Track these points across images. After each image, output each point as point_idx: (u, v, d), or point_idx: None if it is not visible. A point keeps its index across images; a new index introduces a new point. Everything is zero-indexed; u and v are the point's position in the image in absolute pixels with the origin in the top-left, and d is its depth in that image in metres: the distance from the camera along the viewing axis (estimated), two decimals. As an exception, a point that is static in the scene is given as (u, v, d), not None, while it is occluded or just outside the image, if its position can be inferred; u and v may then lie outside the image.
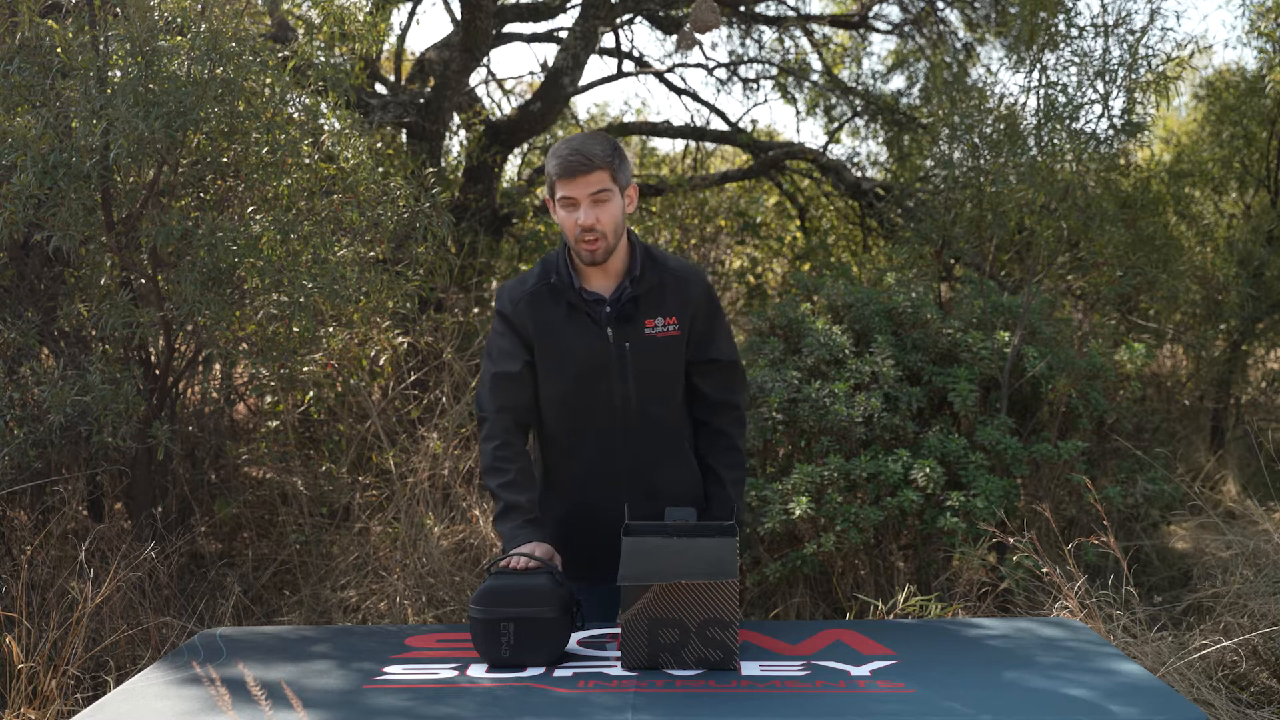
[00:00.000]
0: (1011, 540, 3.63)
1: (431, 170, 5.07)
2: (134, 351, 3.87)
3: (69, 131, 3.38)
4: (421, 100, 5.99)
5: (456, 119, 6.72)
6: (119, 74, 3.39)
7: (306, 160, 3.86)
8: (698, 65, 9.81)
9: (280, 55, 3.88)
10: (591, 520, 2.38)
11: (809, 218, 8.67)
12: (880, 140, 8.54)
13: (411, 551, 4.25)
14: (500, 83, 8.73)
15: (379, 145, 5.17)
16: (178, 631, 3.54)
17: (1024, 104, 4.37)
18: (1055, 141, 4.16)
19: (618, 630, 2.28)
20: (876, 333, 4.27)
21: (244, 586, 4.12)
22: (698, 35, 6.35)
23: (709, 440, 2.48)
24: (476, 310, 5.82)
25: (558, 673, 2.02)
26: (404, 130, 6.10)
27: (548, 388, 2.37)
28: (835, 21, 8.57)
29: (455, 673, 2.03)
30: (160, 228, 3.35)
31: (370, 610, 4.04)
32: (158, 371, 3.87)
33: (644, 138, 9.32)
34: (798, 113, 9.61)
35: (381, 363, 5.02)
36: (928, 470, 3.75)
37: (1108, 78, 4.10)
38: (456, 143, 7.25)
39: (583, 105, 13.47)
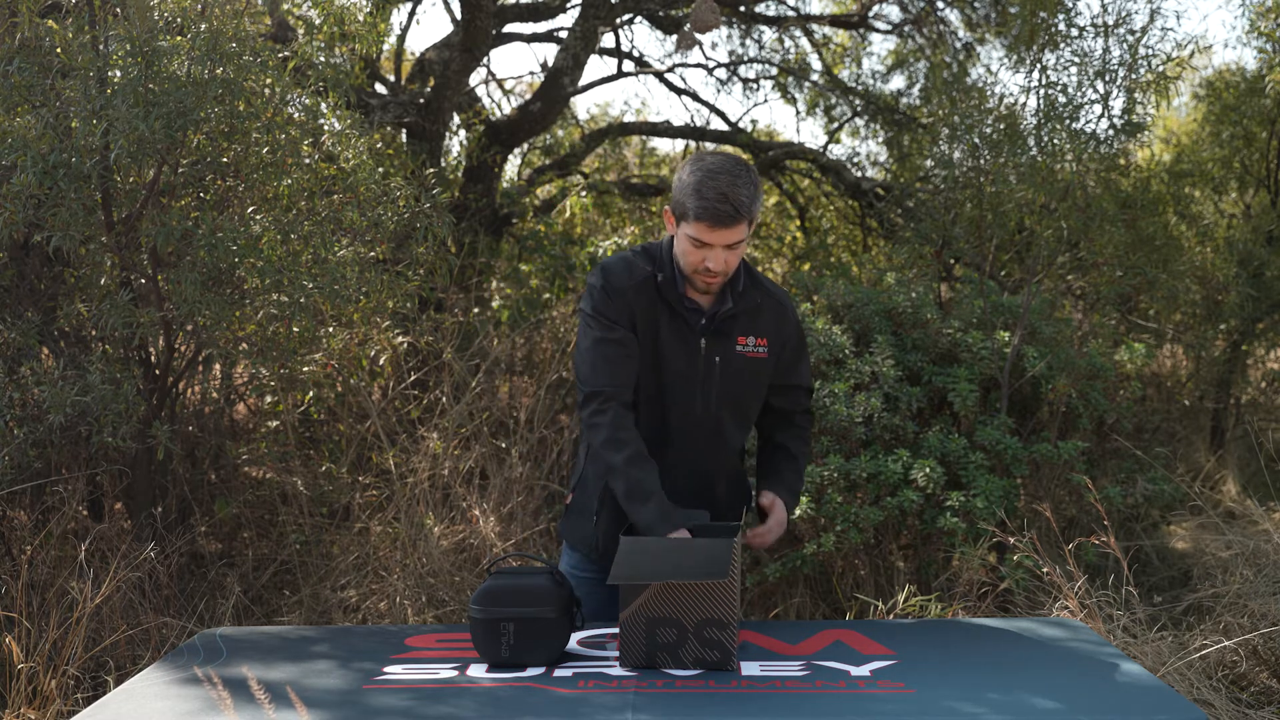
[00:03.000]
0: (1011, 540, 3.63)
1: (431, 170, 5.07)
2: (134, 351, 3.87)
3: (69, 131, 3.38)
4: (421, 100, 5.99)
5: (456, 119, 6.72)
6: (119, 74, 3.39)
7: (306, 160, 3.86)
8: (698, 65, 9.83)
9: (280, 55, 3.88)
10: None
11: (809, 218, 8.68)
12: (880, 140, 8.55)
13: (411, 551, 4.25)
14: (500, 83, 8.74)
15: (379, 145, 5.17)
16: (178, 631, 3.54)
17: (1024, 104, 4.38)
18: (1055, 141, 4.16)
19: (618, 630, 2.28)
20: (876, 333, 4.27)
21: (244, 586, 4.12)
22: (698, 35, 6.35)
23: (784, 428, 2.48)
24: (476, 310, 5.82)
25: (558, 673, 2.02)
26: (404, 130, 6.10)
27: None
28: (835, 21, 8.57)
29: (455, 673, 2.03)
30: (160, 228, 3.35)
31: (370, 610, 4.03)
32: (158, 371, 3.87)
33: (644, 138, 9.32)
34: (798, 113, 9.62)
35: (381, 363, 5.02)
36: (928, 470, 3.75)
37: (1108, 78, 4.10)
38: (456, 143, 7.26)
39: (583, 105, 13.48)
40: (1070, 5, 4.18)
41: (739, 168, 2.17)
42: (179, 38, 3.53)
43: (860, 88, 8.62)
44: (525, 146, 8.12)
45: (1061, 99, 4.12)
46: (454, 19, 7.06)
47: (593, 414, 2.22)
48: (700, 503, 2.35)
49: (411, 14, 6.91)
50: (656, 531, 2.11)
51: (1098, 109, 4.12)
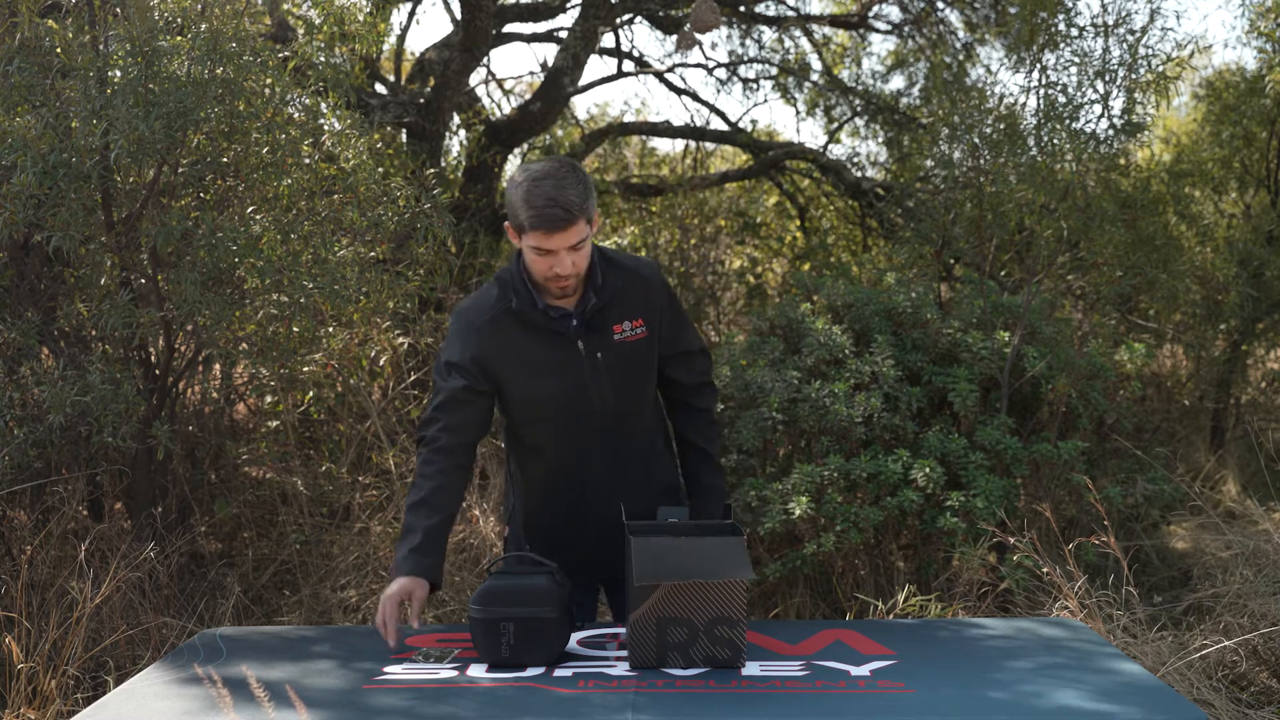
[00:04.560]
0: (1011, 540, 3.63)
1: (431, 170, 5.07)
2: (134, 351, 3.86)
3: (69, 131, 3.38)
4: (421, 100, 5.99)
5: (456, 119, 6.72)
6: (119, 74, 3.39)
7: (306, 160, 3.86)
8: (698, 65, 9.82)
9: (280, 55, 3.88)
10: (571, 525, 2.40)
11: (809, 218, 8.68)
12: (880, 140, 8.54)
13: (411, 551, 4.24)
14: (500, 83, 8.74)
15: (379, 145, 5.17)
16: (178, 631, 3.54)
17: (1024, 104, 4.37)
18: (1055, 141, 4.15)
19: (618, 630, 2.28)
20: (876, 333, 4.27)
21: (244, 586, 4.12)
22: (698, 35, 6.35)
23: (689, 417, 2.51)
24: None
25: (558, 673, 2.02)
26: (404, 130, 6.10)
27: (524, 410, 2.35)
28: (835, 21, 8.57)
29: (455, 673, 2.03)
30: (160, 228, 3.35)
31: (370, 610, 4.03)
32: (158, 371, 3.87)
33: (644, 138, 9.31)
34: (798, 113, 9.62)
35: (381, 363, 5.02)
36: (928, 470, 3.74)
37: (1108, 78, 4.10)
38: (456, 143, 7.26)
39: (583, 105, 13.49)
40: (1070, 5, 4.18)
41: (564, 169, 2.18)
42: (179, 38, 3.53)
43: (860, 88, 8.62)
44: (525, 146, 8.12)
45: (1061, 99, 4.11)
46: (454, 19, 7.06)
47: (418, 457, 2.33)
48: (626, 489, 2.37)
49: (411, 14, 6.92)
50: (392, 572, 2.21)
51: (1098, 109, 4.12)
